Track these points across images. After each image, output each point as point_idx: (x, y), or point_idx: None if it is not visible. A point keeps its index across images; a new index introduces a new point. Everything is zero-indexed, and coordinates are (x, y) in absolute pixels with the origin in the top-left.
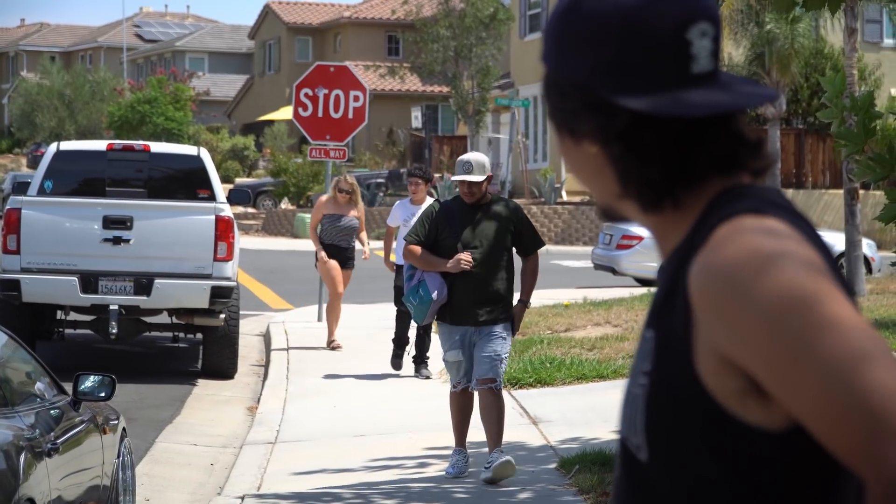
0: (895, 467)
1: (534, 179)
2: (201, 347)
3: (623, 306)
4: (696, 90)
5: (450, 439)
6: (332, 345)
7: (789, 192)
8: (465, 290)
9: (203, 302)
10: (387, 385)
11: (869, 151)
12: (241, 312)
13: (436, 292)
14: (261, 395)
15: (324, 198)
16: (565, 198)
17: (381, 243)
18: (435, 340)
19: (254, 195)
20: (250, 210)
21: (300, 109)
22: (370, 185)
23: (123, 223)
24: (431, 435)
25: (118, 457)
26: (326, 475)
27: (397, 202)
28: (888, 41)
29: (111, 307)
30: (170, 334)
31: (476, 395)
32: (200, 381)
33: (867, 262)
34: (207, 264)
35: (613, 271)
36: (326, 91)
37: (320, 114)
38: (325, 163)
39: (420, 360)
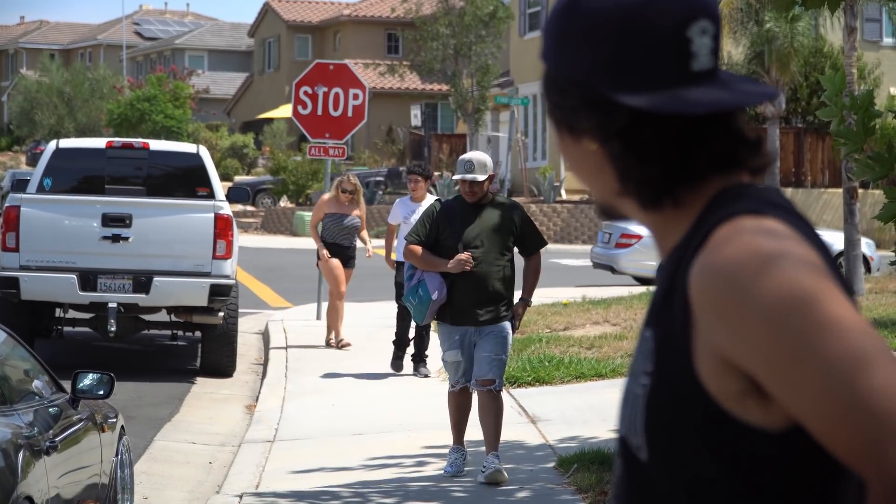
0: None
1: (533, 178)
2: (200, 345)
3: (622, 305)
4: (696, 88)
5: (448, 438)
6: (340, 343)
7: (788, 191)
8: (466, 289)
9: (202, 300)
10: (385, 384)
11: (868, 150)
12: (239, 310)
13: (435, 292)
14: (259, 393)
15: (325, 196)
16: (564, 196)
17: (380, 241)
18: (434, 339)
19: (253, 193)
20: (249, 208)
21: (299, 107)
22: (369, 184)
23: (122, 221)
24: (430, 433)
25: (117, 455)
26: (325, 474)
27: (397, 200)
28: (888, 40)
29: (110, 305)
30: (168, 332)
31: (475, 395)
32: (199, 380)
33: (866, 261)
34: (206, 262)
35: (612, 270)
36: (326, 89)
37: (320, 112)
38: (325, 161)
39: (419, 359)
